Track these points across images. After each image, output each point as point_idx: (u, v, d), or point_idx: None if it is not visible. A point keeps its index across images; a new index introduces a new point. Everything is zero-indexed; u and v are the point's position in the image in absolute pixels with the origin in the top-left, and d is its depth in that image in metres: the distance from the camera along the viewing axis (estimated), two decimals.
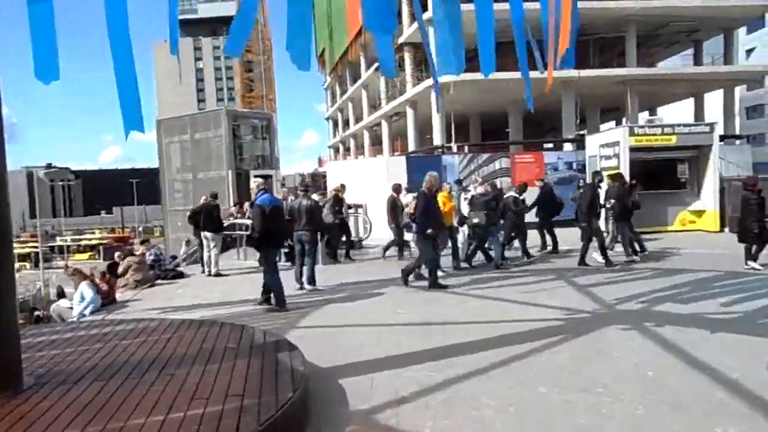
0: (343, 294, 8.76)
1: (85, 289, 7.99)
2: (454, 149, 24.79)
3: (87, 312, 7.90)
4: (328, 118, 68.53)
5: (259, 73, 67.71)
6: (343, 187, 13.05)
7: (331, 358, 5.27)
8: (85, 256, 68.31)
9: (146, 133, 6.84)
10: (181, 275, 11.07)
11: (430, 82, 32.28)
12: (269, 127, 20.67)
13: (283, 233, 8.44)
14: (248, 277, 10.59)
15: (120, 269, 9.92)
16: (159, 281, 10.54)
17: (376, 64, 42.05)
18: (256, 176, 8.95)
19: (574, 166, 19.15)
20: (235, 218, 13.41)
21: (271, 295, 7.93)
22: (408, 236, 11.18)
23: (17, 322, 4.17)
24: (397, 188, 12.43)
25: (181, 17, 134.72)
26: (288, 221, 9.24)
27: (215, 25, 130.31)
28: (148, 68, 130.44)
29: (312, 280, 9.38)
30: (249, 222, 13.21)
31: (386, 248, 12.36)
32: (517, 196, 11.53)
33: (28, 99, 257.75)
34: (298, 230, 9.40)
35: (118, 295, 9.04)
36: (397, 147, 42.64)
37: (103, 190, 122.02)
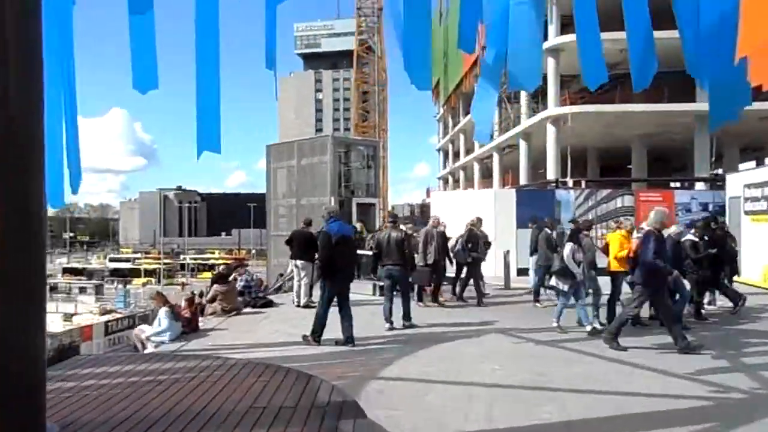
0: (441, 340, 7.77)
1: (162, 316, 7.68)
2: (570, 184, 23.05)
3: (166, 339, 7.55)
4: (439, 150, 68.15)
5: (374, 103, 68.97)
6: (479, 220, 11.62)
7: (410, 425, 4.33)
8: (209, 274, 72.14)
9: (222, 154, 6.47)
10: (270, 304, 10.61)
11: (545, 113, 30.79)
12: (375, 155, 20.29)
13: (349, 267, 7.74)
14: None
15: (209, 296, 9.64)
16: (247, 309, 10.15)
17: None
18: (325, 207, 8.34)
19: (710, 207, 16.91)
20: None
21: (350, 334, 7.34)
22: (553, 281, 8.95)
23: (44, 362, 3.63)
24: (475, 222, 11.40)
25: (305, 51, 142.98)
26: (375, 255, 8.84)
27: (336, 59, 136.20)
28: (272, 100, 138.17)
29: (407, 316, 8.75)
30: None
31: (536, 292, 10.83)
32: (696, 239, 9.53)
33: (165, 127, 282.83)
34: (386, 264, 8.82)
35: (202, 323, 8.69)
36: (508, 180, 41.09)
37: (225, 212, 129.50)
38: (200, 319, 9.37)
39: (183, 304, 8.49)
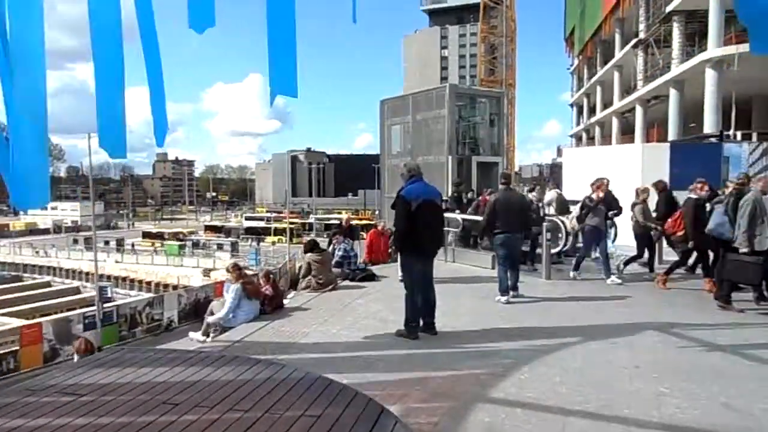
0: (574, 335, 5.98)
1: (230, 294, 6.61)
2: (738, 138, 19.30)
3: (234, 322, 6.48)
4: (572, 105, 63.03)
5: (501, 56, 65.07)
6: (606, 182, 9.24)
7: None
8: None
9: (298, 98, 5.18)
10: (372, 277, 9.29)
11: (704, 56, 26.34)
12: (499, 109, 18.14)
13: (434, 240, 6.17)
14: (449, 288, 8.34)
15: (303, 269, 8.49)
16: (345, 283, 8.92)
17: (633, 41, 36.43)
18: (405, 164, 6.76)
19: None
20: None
21: (431, 321, 6.05)
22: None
23: None
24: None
25: (430, 7, 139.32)
26: (487, 221, 7.57)
27: (462, 13, 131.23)
28: (398, 59, 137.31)
29: (515, 287, 7.80)
30: (464, 216, 11.11)
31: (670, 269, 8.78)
32: None
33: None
34: (500, 232, 7.47)
35: (287, 301, 7.58)
36: (652, 136, 36.47)
37: (352, 173, 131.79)
38: (291, 293, 8.30)
39: (261, 280, 7.40)
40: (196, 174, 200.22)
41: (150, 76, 5.56)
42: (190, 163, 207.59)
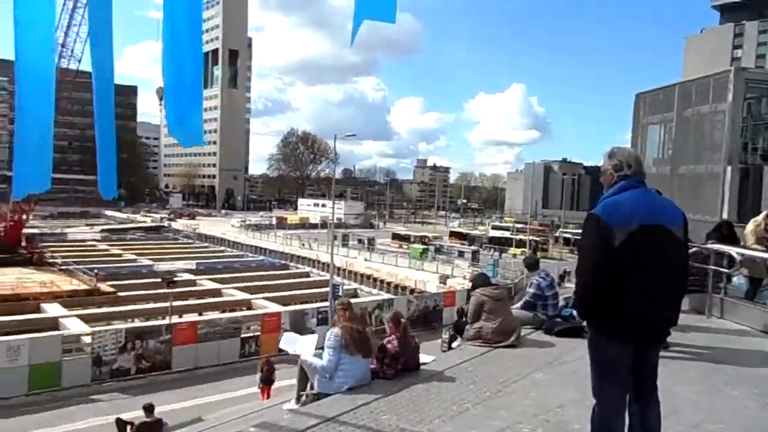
0: None
1: (330, 342, 4.47)
2: None
3: (330, 386, 4.36)
4: None
5: None
6: None
7: None
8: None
9: None
10: (579, 331, 6.33)
11: None
12: None
13: (668, 306, 3.09)
14: (700, 375, 5.12)
15: (470, 311, 5.95)
16: (535, 335, 6.20)
17: None
18: (611, 152, 3.58)
19: None
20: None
21: None
22: None
23: None
24: None
25: (722, 2, 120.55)
26: None
27: (763, 8, 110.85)
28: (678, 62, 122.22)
29: None
30: (741, 250, 7.31)
31: None
32: None
33: (559, 102, 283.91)
34: None
35: (432, 359, 5.22)
36: None
37: None
38: (457, 341, 5.95)
39: (388, 326, 5.11)
40: (451, 181, 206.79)
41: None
42: (446, 170, 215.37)
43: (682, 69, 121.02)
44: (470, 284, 6.48)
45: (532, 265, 7.17)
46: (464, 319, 6.14)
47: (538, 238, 66.96)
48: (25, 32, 3.44)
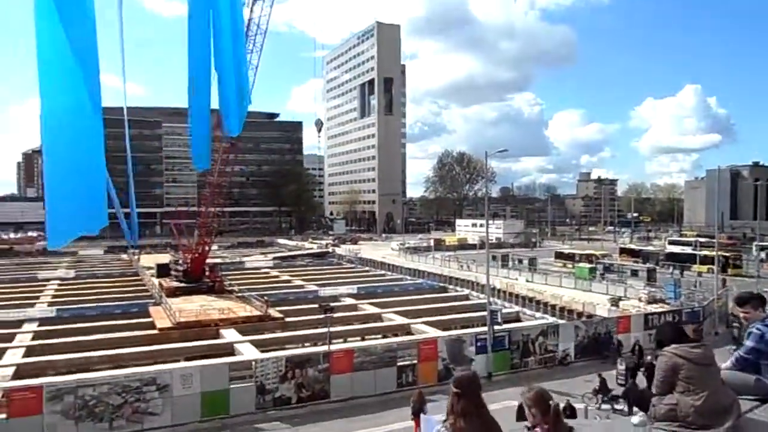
0: None
1: None
2: None
3: None
4: None
5: None
6: None
7: None
8: None
9: None
10: None
11: None
12: None
13: None
14: None
15: (657, 383, 4.16)
16: (765, 408, 4.41)
17: None
18: None
19: None
20: None
21: None
22: None
23: None
24: None
25: None
26: None
27: None
28: None
29: None
30: None
31: None
32: None
33: (743, 100, 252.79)
34: None
35: None
36: None
37: None
38: (619, 382, 4.39)
39: (530, 412, 3.54)
40: (619, 193, 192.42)
41: None
42: (613, 182, 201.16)
43: None
44: (654, 338, 4.80)
45: (746, 300, 5.22)
46: (639, 384, 4.50)
47: (727, 254, 58.75)
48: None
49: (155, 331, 35.34)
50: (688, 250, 65.47)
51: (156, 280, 52.52)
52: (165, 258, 59.00)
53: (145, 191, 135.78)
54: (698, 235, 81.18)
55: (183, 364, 24.48)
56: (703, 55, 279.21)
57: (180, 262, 50.82)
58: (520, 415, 3.76)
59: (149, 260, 66.49)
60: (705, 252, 58.17)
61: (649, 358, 23.83)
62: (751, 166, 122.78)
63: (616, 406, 18.54)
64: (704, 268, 53.84)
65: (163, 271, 53.32)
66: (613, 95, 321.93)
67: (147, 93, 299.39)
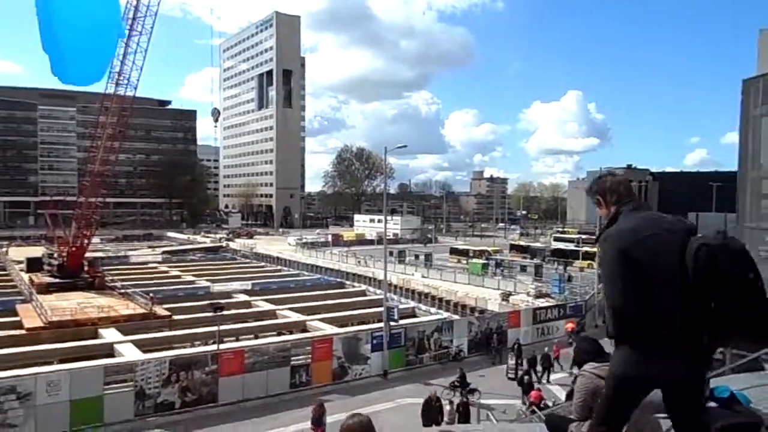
0: None
1: None
2: None
3: None
4: None
5: None
6: None
7: None
8: None
9: None
10: (758, 429, 4.17)
11: None
12: None
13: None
14: None
15: (576, 399, 3.73)
16: None
17: None
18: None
19: None
20: None
21: None
22: None
23: None
24: None
25: None
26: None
27: None
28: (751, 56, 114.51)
29: None
30: None
31: None
32: None
33: (618, 107, 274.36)
34: None
35: None
36: None
37: (680, 193, 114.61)
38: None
39: None
40: (509, 192, 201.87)
41: None
42: (504, 181, 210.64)
43: (757, 63, 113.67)
44: (572, 358, 4.28)
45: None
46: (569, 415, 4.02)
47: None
48: None
49: (23, 332, 31.82)
50: (572, 246, 69.35)
51: (26, 276, 47.67)
52: (38, 251, 53.80)
53: (18, 179, 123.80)
54: (580, 232, 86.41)
55: (50, 367, 21.97)
56: (585, 63, 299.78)
57: (55, 255, 46.35)
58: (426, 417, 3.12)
59: (20, 253, 60.40)
60: (586, 248, 61.84)
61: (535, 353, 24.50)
62: (625, 168, 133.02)
63: (472, 399, 19.07)
64: (586, 263, 57.25)
65: (34, 265, 48.45)
66: (505, 97, 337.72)
67: (26, 73, 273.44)
